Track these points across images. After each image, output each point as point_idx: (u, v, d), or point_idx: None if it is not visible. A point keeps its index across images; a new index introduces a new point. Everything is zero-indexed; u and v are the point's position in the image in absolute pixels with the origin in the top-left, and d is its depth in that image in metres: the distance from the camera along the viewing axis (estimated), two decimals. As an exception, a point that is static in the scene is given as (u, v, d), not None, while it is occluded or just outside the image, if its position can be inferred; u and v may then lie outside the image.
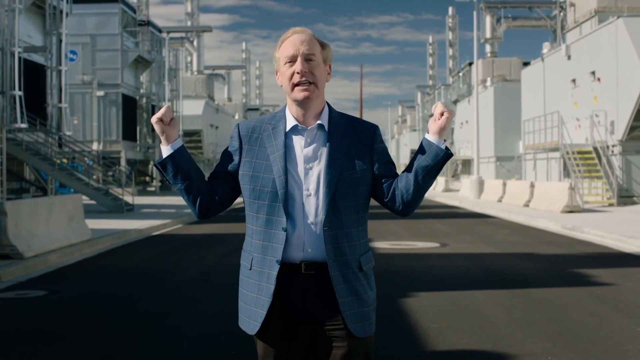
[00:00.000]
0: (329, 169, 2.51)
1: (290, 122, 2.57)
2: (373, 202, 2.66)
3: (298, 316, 2.53)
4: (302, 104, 2.54)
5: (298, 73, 2.51)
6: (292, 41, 2.54)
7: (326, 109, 2.61)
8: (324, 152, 2.54)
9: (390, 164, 2.66)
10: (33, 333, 6.24)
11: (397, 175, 2.65)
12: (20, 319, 6.92)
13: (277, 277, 2.50)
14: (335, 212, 2.50)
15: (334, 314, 2.52)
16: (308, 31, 2.59)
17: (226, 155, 2.65)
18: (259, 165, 2.55)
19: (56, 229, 11.75)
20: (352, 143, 2.57)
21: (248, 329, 2.59)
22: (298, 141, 2.56)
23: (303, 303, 2.52)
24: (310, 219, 2.52)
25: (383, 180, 2.61)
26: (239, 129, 2.64)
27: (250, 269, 2.58)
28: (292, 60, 2.53)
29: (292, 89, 2.53)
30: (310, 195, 2.51)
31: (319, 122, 2.57)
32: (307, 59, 2.53)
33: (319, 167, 2.53)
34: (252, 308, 2.56)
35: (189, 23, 56.85)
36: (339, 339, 2.54)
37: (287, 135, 2.56)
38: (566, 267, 10.16)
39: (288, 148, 2.54)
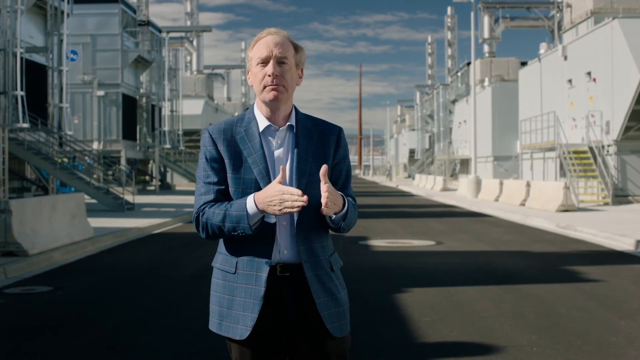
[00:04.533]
0: (299, 171, 2.51)
1: (262, 122, 2.56)
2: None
3: (277, 319, 2.53)
4: (270, 104, 2.54)
5: (269, 75, 2.50)
6: (266, 42, 2.53)
7: (293, 111, 2.62)
8: (293, 153, 2.54)
9: (347, 180, 2.66)
10: (41, 326, 6.49)
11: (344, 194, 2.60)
12: (28, 313, 7.17)
13: (267, 279, 2.50)
14: (307, 214, 2.49)
15: (310, 315, 2.52)
16: (283, 33, 2.58)
17: (209, 164, 2.56)
18: (238, 167, 2.53)
19: (59, 227, 11.98)
20: (319, 145, 2.59)
21: (235, 335, 2.52)
22: (271, 142, 2.56)
23: (281, 306, 2.53)
24: (284, 220, 2.52)
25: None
26: (209, 133, 2.58)
27: (235, 273, 2.54)
28: (265, 62, 2.52)
29: (262, 90, 2.53)
30: None
31: (289, 123, 2.57)
32: (280, 61, 2.52)
33: (289, 169, 2.53)
34: (240, 313, 2.51)
35: (188, 23, 57.03)
36: (317, 340, 2.54)
37: (261, 136, 2.55)
38: (557, 264, 10.41)
39: (264, 149, 2.54)
